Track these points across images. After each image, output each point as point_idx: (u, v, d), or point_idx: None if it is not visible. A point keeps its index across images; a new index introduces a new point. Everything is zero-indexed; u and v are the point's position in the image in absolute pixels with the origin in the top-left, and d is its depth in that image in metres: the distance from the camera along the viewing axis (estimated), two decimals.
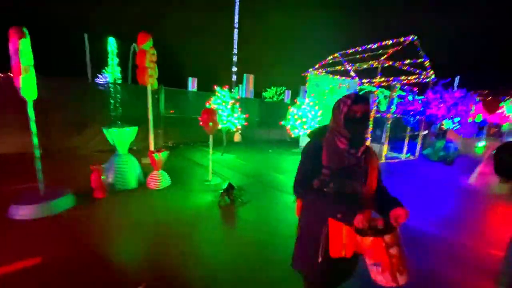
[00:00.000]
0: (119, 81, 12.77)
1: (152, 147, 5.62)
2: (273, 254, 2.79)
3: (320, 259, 1.25)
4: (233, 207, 4.00)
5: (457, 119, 10.37)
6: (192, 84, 14.30)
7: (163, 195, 4.33)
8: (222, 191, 4.12)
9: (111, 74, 13.59)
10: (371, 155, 1.38)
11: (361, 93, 11.87)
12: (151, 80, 5.25)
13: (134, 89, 8.74)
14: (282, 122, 8.94)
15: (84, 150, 7.26)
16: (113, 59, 13.45)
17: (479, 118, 15.36)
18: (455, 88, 10.15)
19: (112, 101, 8.37)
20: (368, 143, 1.87)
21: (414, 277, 2.55)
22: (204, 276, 2.36)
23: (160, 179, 4.57)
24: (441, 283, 2.49)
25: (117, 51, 12.62)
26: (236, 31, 12.16)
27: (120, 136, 4.39)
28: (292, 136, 8.73)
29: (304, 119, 8.13)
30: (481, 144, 14.69)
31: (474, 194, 5.68)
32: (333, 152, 1.29)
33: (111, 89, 8.61)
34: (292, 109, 8.44)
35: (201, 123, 4.77)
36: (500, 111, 17.62)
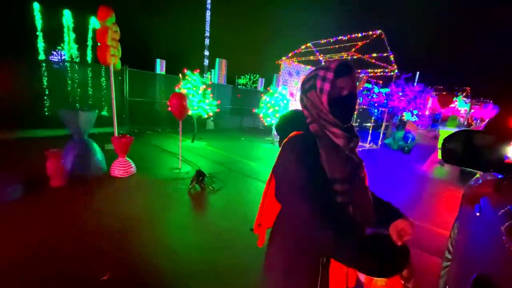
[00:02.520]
0: (77, 60, 11.60)
1: (116, 133, 5.26)
2: (243, 240, 2.82)
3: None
4: (203, 194, 3.95)
5: (415, 112, 11.25)
6: (161, 66, 13.50)
7: (128, 183, 4.11)
8: (192, 178, 4.03)
9: (67, 51, 12.28)
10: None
11: None
12: (113, 59, 4.83)
13: (94, 69, 8.01)
14: (255, 110, 8.92)
15: (37, 135, 6.57)
16: (69, 35, 12.11)
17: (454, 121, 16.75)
18: (415, 83, 10.91)
19: (69, 81, 7.62)
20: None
21: None
22: (171, 265, 2.32)
23: (125, 167, 4.32)
24: None
25: (74, 26, 11.36)
26: (208, 13, 11.62)
27: (80, 120, 4.03)
28: (265, 124, 8.78)
29: (276, 108, 8.18)
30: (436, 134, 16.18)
31: (425, 179, 6.27)
32: (333, 154, 0.86)
33: (67, 68, 7.82)
34: (265, 97, 8.43)
35: (169, 108, 4.55)
36: (452, 105, 19.45)
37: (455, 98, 19.69)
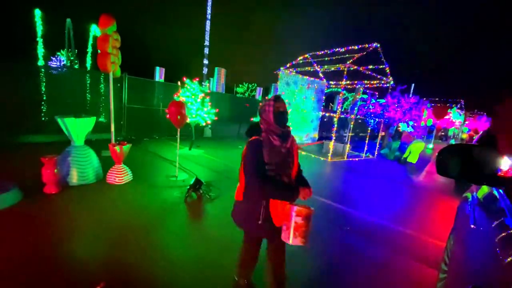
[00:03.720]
0: (76, 66, 11.65)
1: (113, 139, 5.25)
2: (238, 248, 2.79)
3: (260, 222, 1.65)
4: (200, 203, 3.92)
5: (411, 123, 11.40)
6: (160, 74, 13.60)
7: (124, 190, 4.08)
8: (189, 186, 4.01)
9: (66, 57, 12.33)
10: (294, 142, 1.76)
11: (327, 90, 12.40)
12: (113, 67, 4.88)
13: (93, 75, 8.05)
14: (253, 118, 8.98)
15: (34, 141, 6.53)
16: (69, 42, 12.20)
17: (429, 122, 17.03)
18: (411, 95, 11.09)
19: (67, 87, 7.62)
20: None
21: (370, 267, 2.75)
22: (167, 274, 2.28)
23: (121, 174, 4.29)
24: (393, 272, 2.73)
25: (74, 33, 11.45)
26: (208, 23, 11.81)
27: (77, 126, 4.02)
28: None
29: None
30: (430, 146, 16.34)
31: (422, 190, 6.30)
32: (271, 150, 1.60)
33: (66, 74, 7.85)
34: None
35: (168, 115, 4.57)
36: (447, 117, 19.77)
37: (449, 110, 20.02)
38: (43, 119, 7.02)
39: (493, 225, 1.22)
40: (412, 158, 9.26)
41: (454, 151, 1.19)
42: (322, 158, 8.57)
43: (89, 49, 11.47)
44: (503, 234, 1.08)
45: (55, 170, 3.64)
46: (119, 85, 8.16)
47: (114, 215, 3.27)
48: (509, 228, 1.07)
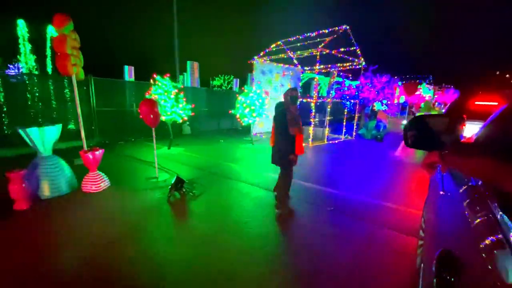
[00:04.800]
0: (36, 72, 10.83)
1: (85, 146, 4.98)
2: (229, 243, 2.79)
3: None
4: (184, 201, 3.85)
5: (385, 101, 11.80)
6: (129, 73, 12.99)
7: (102, 198, 3.91)
8: (171, 186, 3.91)
9: (24, 63, 11.42)
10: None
11: (303, 80, 12.49)
12: (75, 69, 4.56)
13: (56, 80, 7.52)
14: (232, 111, 8.87)
15: None
16: (25, 46, 11.27)
17: (402, 99, 17.73)
18: (382, 74, 11.45)
19: (29, 95, 7.08)
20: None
21: (356, 243, 2.84)
22: (154, 276, 2.23)
23: (97, 181, 4.10)
24: (377, 244, 2.85)
25: (29, 36, 10.59)
26: (175, 16, 11.35)
27: (41, 136, 3.76)
28: (243, 124, 8.76)
29: (252, 107, 8.20)
30: (404, 121, 17.09)
31: (399, 164, 6.60)
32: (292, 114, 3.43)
33: (26, 81, 7.27)
34: (240, 98, 8.41)
35: (141, 115, 4.39)
36: (417, 92, 20.68)
37: (419, 86, 20.94)
38: (6, 132, 6.51)
39: (460, 191, 1.29)
40: None
41: (419, 122, 1.22)
42: (303, 144, 8.68)
43: (48, 52, 10.67)
44: (469, 198, 1.13)
45: (23, 185, 3.40)
46: (85, 88, 7.70)
47: (94, 224, 3.13)
48: (475, 192, 1.13)
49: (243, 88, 8.84)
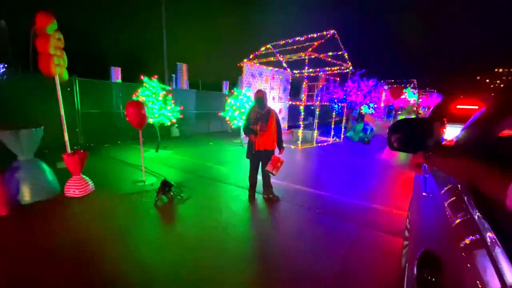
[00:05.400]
0: (16, 71, 10.45)
1: (68, 149, 4.82)
2: (217, 248, 2.76)
3: (253, 152, 3.89)
4: (171, 205, 3.79)
5: (372, 105, 12.08)
6: (115, 74, 12.70)
7: (87, 202, 3.78)
8: (158, 190, 3.84)
9: (4, 62, 10.99)
10: (271, 112, 3.87)
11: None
12: (58, 69, 4.42)
13: (38, 80, 7.26)
14: (221, 114, 8.84)
15: None
16: (6, 45, 10.87)
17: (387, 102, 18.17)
18: (369, 78, 11.73)
19: (8, 96, 6.80)
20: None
21: (343, 244, 2.87)
22: (142, 282, 2.17)
23: (81, 185, 3.97)
24: (364, 245, 2.89)
25: (10, 34, 10.22)
26: (164, 16, 11.23)
27: (23, 139, 3.61)
28: (232, 127, 8.73)
29: (242, 110, 8.19)
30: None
31: (385, 167, 6.75)
32: (253, 113, 3.88)
33: (5, 81, 6.99)
34: (230, 100, 8.39)
35: (127, 117, 4.29)
36: (403, 96, 21.29)
37: (404, 90, 21.57)
38: None
39: (442, 192, 1.32)
40: None
41: (401, 125, 1.25)
42: (292, 146, 8.76)
43: (30, 51, 10.32)
44: (450, 199, 1.17)
45: (2, 189, 3.25)
46: (69, 89, 7.48)
47: (78, 230, 3.02)
48: (455, 193, 1.16)
49: (232, 91, 8.83)
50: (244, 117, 3.98)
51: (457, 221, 0.94)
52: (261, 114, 3.83)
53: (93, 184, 4.19)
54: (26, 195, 3.64)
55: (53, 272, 2.28)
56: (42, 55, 4.30)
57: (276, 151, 4.02)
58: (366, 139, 10.19)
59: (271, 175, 3.91)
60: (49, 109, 7.40)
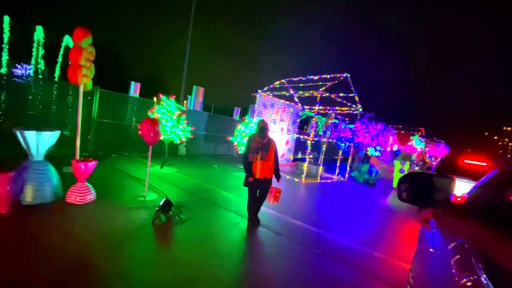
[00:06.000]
0: (40, 76, 11.02)
1: (77, 155, 4.91)
2: (209, 275, 2.66)
3: (251, 179, 3.95)
4: (169, 225, 3.73)
5: (378, 148, 12.13)
6: (135, 89, 13.26)
7: (86, 211, 3.76)
8: (158, 208, 3.81)
9: (33, 66, 11.65)
10: (271, 142, 4.02)
11: (302, 117, 12.91)
12: (85, 79, 4.68)
13: (61, 87, 7.64)
14: (230, 138, 8.98)
15: None
16: (38, 50, 11.60)
17: (395, 147, 18.25)
18: (377, 122, 11.96)
19: (30, 97, 7.13)
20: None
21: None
22: None
23: (83, 193, 3.97)
24: None
25: (43, 42, 10.97)
26: (189, 40, 12.01)
27: (37, 140, 3.72)
28: (239, 152, 8.81)
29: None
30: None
31: (390, 213, 6.59)
32: (254, 141, 3.94)
33: (31, 83, 7.37)
34: (240, 126, 8.58)
35: (140, 132, 4.42)
36: (410, 143, 21.38)
37: (412, 137, 21.74)
38: None
39: (449, 249, 1.31)
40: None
41: (413, 178, 1.28)
42: (296, 179, 8.70)
43: (59, 59, 10.97)
44: (457, 258, 1.15)
45: (6, 188, 3.29)
46: (89, 98, 7.81)
47: (72, 239, 2.98)
48: (463, 250, 1.15)
49: (244, 118, 9.06)
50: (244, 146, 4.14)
51: (463, 281, 0.92)
52: (262, 143, 3.94)
53: (95, 193, 4.19)
54: (28, 196, 3.66)
55: (37, 276, 2.21)
56: (72, 65, 4.59)
57: (274, 180, 4.14)
58: (371, 181, 10.08)
59: (269, 203, 4.16)
60: (66, 114, 7.69)
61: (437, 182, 1.31)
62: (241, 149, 8.54)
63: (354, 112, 10.45)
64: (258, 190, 4.07)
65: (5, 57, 10.64)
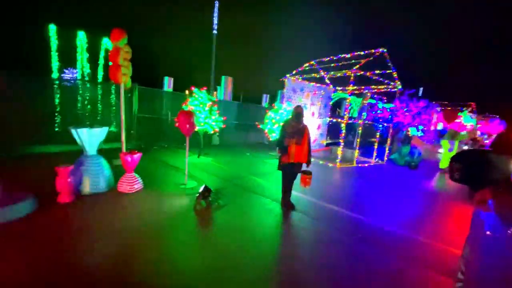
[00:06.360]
0: (87, 78, 12.04)
1: (124, 148, 5.36)
2: (248, 259, 2.79)
3: (286, 163, 4.05)
4: (209, 211, 3.94)
5: (421, 127, 11.20)
6: (168, 84, 13.90)
7: (135, 199, 4.14)
8: (198, 194, 4.04)
9: (79, 70, 12.76)
10: (305, 127, 4.11)
11: (334, 99, 12.38)
12: (124, 78, 5.02)
13: (105, 86, 8.30)
14: (260, 125, 9.03)
15: (48, 151, 6.72)
16: (82, 54, 12.62)
17: (440, 126, 16.72)
18: (419, 98, 10.97)
19: (79, 98, 7.87)
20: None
21: (383, 276, 2.68)
22: (177, 284, 2.29)
23: (132, 182, 4.36)
24: (407, 282, 2.66)
25: (87, 46, 11.91)
26: (215, 32, 12.10)
27: (90, 137, 4.14)
28: (270, 139, 8.84)
29: (281, 123, 8.27)
30: (442, 150, 15.97)
31: (435, 196, 6.15)
32: (290, 126, 4.07)
33: (79, 85, 8.12)
34: (270, 113, 8.55)
35: (177, 124, 4.65)
36: (458, 120, 19.35)
37: (460, 113, 19.63)
38: (56, 129, 7.24)
39: (509, 231, 1.20)
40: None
41: (468, 157, 1.18)
42: (330, 165, 8.50)
43: (101, 61, 11.86)
44: None
45: (68, 180, 3.74)
46: (129, 95, 8.37)
47: (125, 223, 3.32)
48: None
49: (273, 105, 8.99)
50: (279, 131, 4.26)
51: None
52: (297, 128, 4.01)
53: (142, 182, 4.57)
54: (86, 186, 4.13)
55: (98, 256, 2.53)
56: (113, 65, 4.93)
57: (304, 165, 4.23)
58: (413, 163, 9.43)
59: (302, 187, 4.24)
60: (110, 112, 8.37)
61: (495, 160, 1.19)
62: (272, 136, 8.55)
63: (393, 90, 9.72)
64: (291, 173, 4.17)
65: (55, 63, 11.81)
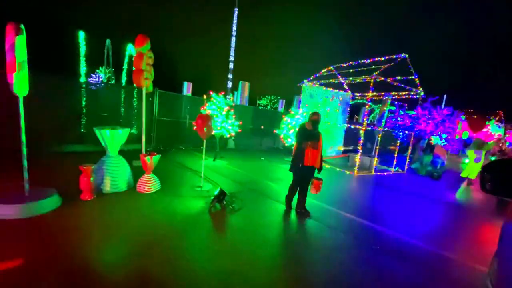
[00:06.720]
0: (112, 82, 12.63)
1: (143, 150, 5.54)
2: (261, 264, 2.77)
3: (300, 165, 4.05)
4: (224, 214, 3.97)
5: (444, 136, 10.72)
6: (188, 88, 14.29)
7: (152, 199, 4.25)
8: (214, 197, 4.08)
9: (104, 74, 13.43)
10: (319, 133, 4.17)
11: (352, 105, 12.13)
12: (146, 82, 5.22)
13: (127, 90, 8.65)
14: (276, 131, 9.02)
15: (75, 150, 7.08)
16: (108, 60, 13.29)
17: (465, 135, 15.90)
18: (443, 106, 10.52)
19: (104, 101, 8.26)
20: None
21: None
22: (190, 285, 2.31)
23: (150, 183, 4.49)
24: None
25: (112, 52, 12.53)
26: (233, 39, 12.33)
27: (112, 138, 4.32)
28: (286, 144, 8.80)
29: (297, 129, 8.22)
30: (467, 160, 15.14)
31: (459, 209, 5.82)
32: (306, 130, 4.17)
33: (103, 89, 8.53)
34: (286, 119, 8.53)
35: (195, 127, 4.75)
36: (485, 129, 18.29)
37: (487, 122, 18.56)
38: (82, 130, 7.62)
39: None
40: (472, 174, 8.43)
41: (500, 166, 1.11)
42: (347, 172, 8.30)
43: (125, 66, 12.43)
44: None
45: (91, 178, 3.91)
46: (150, 99, 8.68)
47: (143, 223, 3.41)
48: None
49: (289, 110, 8.97)
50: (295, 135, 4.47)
51: None
52: (313, 133, 4.13)
53: (160, 183, 4.69)
54: (107, 185, 4.29)
55: (118, 252, 2.61)
56: (136, 70, 5.14)
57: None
58: (435, 174, 9.00)
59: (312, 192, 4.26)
60: (133, 115, 8.70)
61: None
62: (288, 142, 8.51)
63: (415, 97, 9.39)
64: (302, 177, 4.21)
65: (83, 68, 12.50)
